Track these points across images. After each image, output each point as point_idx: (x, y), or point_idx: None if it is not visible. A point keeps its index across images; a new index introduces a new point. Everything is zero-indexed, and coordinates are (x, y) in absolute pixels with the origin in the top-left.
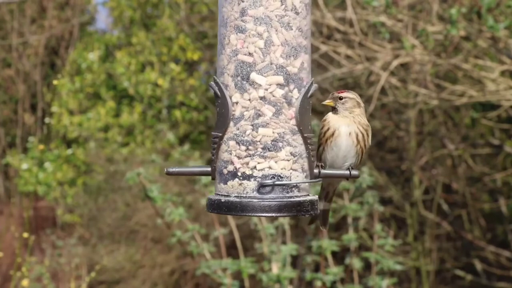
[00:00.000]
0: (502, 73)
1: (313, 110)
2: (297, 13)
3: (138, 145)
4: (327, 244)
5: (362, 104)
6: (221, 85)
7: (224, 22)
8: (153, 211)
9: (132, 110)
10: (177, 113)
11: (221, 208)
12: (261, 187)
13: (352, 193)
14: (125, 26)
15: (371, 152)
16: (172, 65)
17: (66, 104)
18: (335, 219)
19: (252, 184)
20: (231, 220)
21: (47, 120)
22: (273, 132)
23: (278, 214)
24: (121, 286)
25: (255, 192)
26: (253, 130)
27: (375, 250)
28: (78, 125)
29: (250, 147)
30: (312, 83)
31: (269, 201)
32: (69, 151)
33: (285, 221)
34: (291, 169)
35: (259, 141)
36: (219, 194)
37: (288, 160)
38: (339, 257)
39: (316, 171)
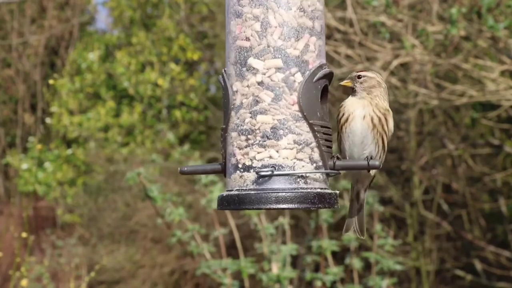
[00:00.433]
0: (502, 73)
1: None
2: None
3: (138, 145)
4: (327, 244)
5: (384, 85)
6: (225, 75)
7: (227, 11)
8: (153, 211)
9: (132, 110)
10: (177, 113)
11: (222, 203)
12: (259, 177)
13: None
14: (125, 26)
15: None
16: (172, 65)
17: (66, 104)
18: (335, 219)
19: (252, 176)
20: (231, 220)
21: (47, 120)
22: (272, 119)
23: (276, 206)
24: (121, 286)
25: (254, 184)
26: (252, 118)
27: (375, 250)
28: (78, 125)
29: (249, 137)
30: (321, 66)
31: (267, 193)
32: (69, 151)
33: (285, 221)
34: (295, 158)
35: (258, 129)
36: (226, 190)
37: (292, 149)
38: (339, 257)
39: (330, 162)
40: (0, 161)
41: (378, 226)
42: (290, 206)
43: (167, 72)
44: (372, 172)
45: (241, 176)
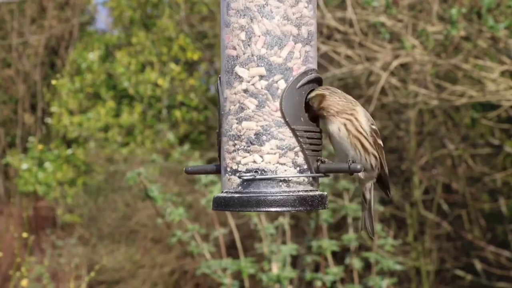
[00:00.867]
0: (502, 73)
1: None
2: (280, 1)
3: (138, 145)
4: (327, 244)
5: (327, 92)
6: (219, 82)
7: (221, 20)
8: (153, 211)
9: (132, 110)
10: (177, 113)
11: (213, 204)
12: (243, 181)
13: (352, 193)
14: (125, 26)
15: None
16: (172, 65)
17: (66, 104)
18: (335, 219)
19: (237, 179)
20: (231, 220)
21: (47, 120)
22: (256, 125)
23: (257, 209)
24: (121, 286)
25: (239, 187)
26: (238, 124)
27: (375, 250)
28: (78, 125)
29: (236, 142)
30: (307, 72)
31: (249, 196)
32: (69, 151)
33: (285, 221)
34: (277, 163)
35: (243, 135)
36: (221, 192)
37: (274, 154)
38: (339, 257)
39: (315, 165)
40: (0, 161)
41: (378, 226)
42: (270, 209)
43: (167, 72)
44: (362, 174)
45: (229, 179)
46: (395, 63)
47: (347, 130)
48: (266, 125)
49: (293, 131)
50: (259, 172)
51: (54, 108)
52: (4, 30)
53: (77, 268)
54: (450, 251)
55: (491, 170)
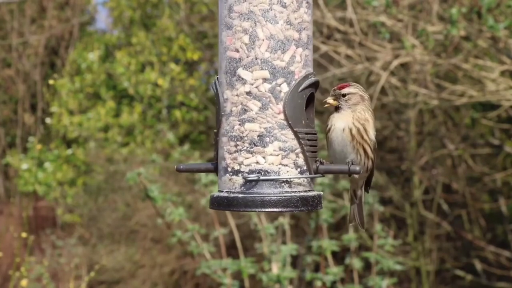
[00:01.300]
0: (502, 73)
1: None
2: (284, 6)
3: (138, 145)
4: (327, 244)
5: (366, 97)
6: (217, 83)
7: (219, 21)
8: (153, 211)
9: (132, 110)
10: (177, 113)
11: (213, 203)
12: (246, 182)
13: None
14: (125, 26)
15: None
16: (172, 65)
17: (66, 104)
18: (335, 219)
19: (239, 180)
20: (231, 220)
21: (47, 120)
22: (259, 127)
23: (261, 210)
24: (121, 286)
25: (242, 188)
26: (240, 125)
27: (375, 250)
28: (78, 125)
29: (238, 143)
30: (308, 76)
31: (253, 196)
32: (69, 151)
33: (285, 221)
34: (280, 164)
35: (246, 136)
36: (218, 191)
37: (277, 155)
38: (339, 257)
39: (314, 166)
40: (0, 161)
41: (378, 226)
42: (275, 209)
43: (167, 72)
44: (357, 175)
45: (230, 179)
46: (395, 63)
47: (352, 135)
48: (269, 127)
49: (295, 133)
50: (262, 173)
51: (54, 108)
52: (4, 30)
53: (77, 268)
54: (450, 251)
55: (491, 170)
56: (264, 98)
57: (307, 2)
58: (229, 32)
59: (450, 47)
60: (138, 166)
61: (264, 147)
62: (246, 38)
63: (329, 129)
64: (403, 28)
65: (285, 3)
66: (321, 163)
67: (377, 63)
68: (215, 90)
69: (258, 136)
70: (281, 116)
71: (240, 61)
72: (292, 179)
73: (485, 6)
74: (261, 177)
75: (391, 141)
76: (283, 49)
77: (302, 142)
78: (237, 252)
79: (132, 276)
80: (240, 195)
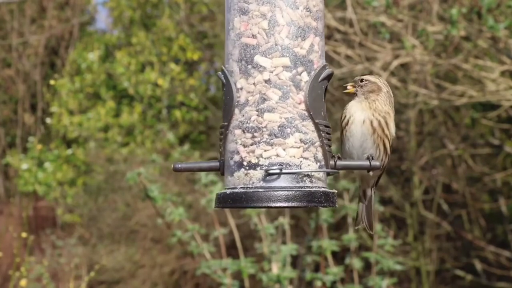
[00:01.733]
0: (502, 73)
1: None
2: None
3: (138, 145)
4: (327, 244)
5: (385, 89)
6: (227, 72)
7: (228, 7)
8: (153, 211)
9: (132, 110)
10: (177, 113)
11: (226, 201)
12: (267, 175)
13: (352, 193)
14: (125, 26)
15: None
16: (172, 65)
17: (66, 104)
18: (335, 219)
19: (258, 174)
20: (231, 220)
21: (47, 120)
22: (280, 117)
23: (286, 204)
24: (121, 286)
25: (261, 182)
26: (258, 115)
27: (375, 250)
28: (78, 125)
29: (255, 134)
30: (325, 67)
31: (276, 191)
32: (69, 151)
33: (285, 221)
34: (301, 157)
35: (265, 127)
36: (226, 188)
37: (298, 148)
38: (339, 257)
39: (332, 162)
40: (0, 161)
41: (378, 226)
42: (300, 204)
43: (167, 72)
44: (371, 172)
45: (246, 174)
46: (395, 63)
47: (373, 127)
48: (290, 117)
49: (316, 125)
50: (284, 166)
51: (54, 108)
52: (4, 30)
53: (77, 268)
54: (450, 251)
55: (491, 170)
56: (285, 87)
57: None
58: (244, 17)
59: (450, 47)
60: (138, 166)
61: (285, 138)
62: (265, 24)
63: (348, 121)
64: (403, 28)
65: None
66: (339, 158)
67: (377, 63)
68: (224, 80)
69: (279, 126)
70: (302, 106)
71: (258, 47)
72: (313, 174)
73: (485, 6)
74: (284, 170)
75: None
76: (303, 37)
77: (322, 134)
78: (237, 252)
79: (132, 276)
80: (261, 190)
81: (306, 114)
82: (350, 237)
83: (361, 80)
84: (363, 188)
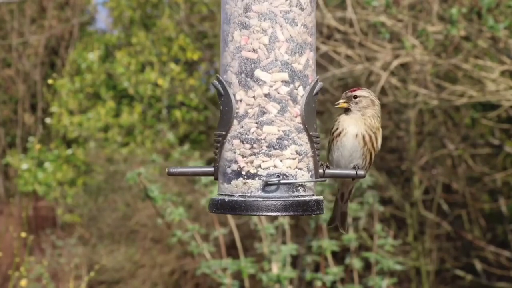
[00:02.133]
0: (502, 73)
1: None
2: (302, 9)
3: (138, 145)
4: (327, 244)
5: (377, 102)
6: (225, 82)
7: (227, 19)
8: (153, 211)
9: (132, 110)
10: (177, 113)
11: (225, 208)
12: (266, 185)
13: (352, 193)
14: (125, 26)
15: None
16: (172, 65)
17: (66, 104)
18: None
19: (256, 183)
20: (231, 220)
21: (47, 120)
22: (278, 130)
23: (284, 214)
24: (121, 286)
25: (260, 191)
26: (257, 128)
27: (375, 250)
28: (78, 125)
29: (254, 145)
30: (317, 81)
31: (275, 200)
32: (69, 151)
33: (285, 221)
34: (296, 168)
35: (263, 139)
36: (222, 194)
37: (294, 159)
38: (339, 257)
39: (321, 170)
40: (0, 161)
41: (378, 226)
42: (296, 213)
43: (167, 72)
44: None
45: (244, 183)
46: (395, 63)
47: (364, 141)
48: (288, 130)
49: (310, 137)
50: (281, 177)
51: (54, 108)
52: (4, 30)
53: (77, 268)
54: (450, 251)
55: (491, 170)
56: (283, 101)
57: (315, 6)
58: (244, 31)
59: (450, 47)
60: (138, 166)
61: (283, 150)
62: (265, 39)
63: (340, 132)
64: (403, 28)
65: (302, 6)
66: (327, 167)
67: (377, 63)
68: (222, 90)
69: (277, 139)
70: (298, 119)
71: (259, 62)
72: (305, 183)
73: (485, 6)
74: (282, 181)
75: (391, 141)
76: (301, 53)
77: (315, 146)
78: (237, 252)
79: (132, 276)
80: (261, 199)
81: (302, 127)
82: (350, 237)
83: (355, 97)
84: (342, 191)
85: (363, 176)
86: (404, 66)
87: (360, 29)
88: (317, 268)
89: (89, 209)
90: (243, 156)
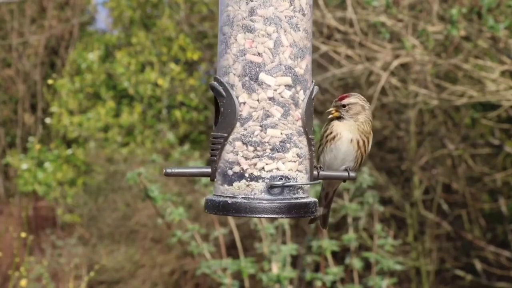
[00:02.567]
0: (502, 73)
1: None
2: (304, 14)
3: (138, 145)
4: (327, 244)
5: (367, 106)
6: (226, 84)
7: (229, 21)
8: (153, 211)
9: (132, 110)
10: (177, 113)
11: (228, 210)
12: (270, 188)
13: (352, 193)
14: (125, 26)
15: (371, 152)
16: (172, 65)
17: (66, 104)
18: (335, 219)
19: (260, 185)
20: (231, 220)
21: (47, 120)
22: (281, 133)
23: (288, 216)
24: (121, 286)
25: (263, 194)
26: (261, 131)
27: (375, 250)
28: (78, 125)
29: (258, 148)
30: (315, 85)
31: (279, 203)
32: (69, 151)
33: (285, 221)
34: (297, 170)
35: (267, 142)
36: (223, 196)
37: (295, 162)
38: (339, 257)
39: (315, 172)
40: (0, 161)
41: (378, 226)
42: (298, 215)
43: (167, 72)
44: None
45: (248, 185)
46: (395, 63)
47: (358, 146)
48: (290, 133)
49: (309, 140)
50: (283, 179)
51: (54, 108)
52: (4, 30)
53: (77, 268)
54: (450, 251)
55: (491, 170)
56: (286, 105)
57: (312, 11)
58: (249, 35)
59: (450, 47)
60: (138, 166)
61: (285, 153)
62: (270, 43)
63: (334, 136)
64: (403, 28)
65: (304, 11)
66: (321, 169)
67: (377, 63)
68: (223, 92)
69: (280, 142)
70: (299, 123)
71: (263, 66)
72: (304, 186)
73: (485, 6)
74: (285, 183)
75: (391, 141)
76: (302, 57)
77: (312, 148)
78: (237, 252)
79: (132, 276)
80: (265, 201)
81: (302, 130)
82: (350, 237)
83: (344, 106)
84: (327, 190)
85: (354, 178)
86: (404, 66)
87: (360, 29)
88: (317, 268)
89: (89, 209)
90: (246, 158)
